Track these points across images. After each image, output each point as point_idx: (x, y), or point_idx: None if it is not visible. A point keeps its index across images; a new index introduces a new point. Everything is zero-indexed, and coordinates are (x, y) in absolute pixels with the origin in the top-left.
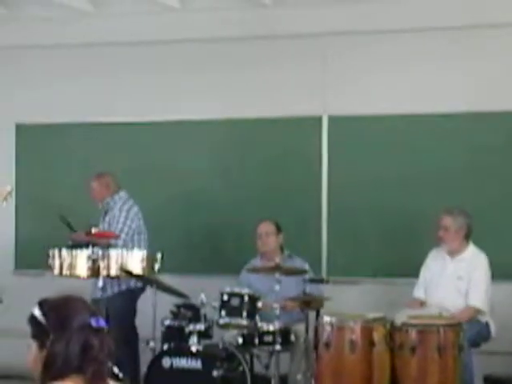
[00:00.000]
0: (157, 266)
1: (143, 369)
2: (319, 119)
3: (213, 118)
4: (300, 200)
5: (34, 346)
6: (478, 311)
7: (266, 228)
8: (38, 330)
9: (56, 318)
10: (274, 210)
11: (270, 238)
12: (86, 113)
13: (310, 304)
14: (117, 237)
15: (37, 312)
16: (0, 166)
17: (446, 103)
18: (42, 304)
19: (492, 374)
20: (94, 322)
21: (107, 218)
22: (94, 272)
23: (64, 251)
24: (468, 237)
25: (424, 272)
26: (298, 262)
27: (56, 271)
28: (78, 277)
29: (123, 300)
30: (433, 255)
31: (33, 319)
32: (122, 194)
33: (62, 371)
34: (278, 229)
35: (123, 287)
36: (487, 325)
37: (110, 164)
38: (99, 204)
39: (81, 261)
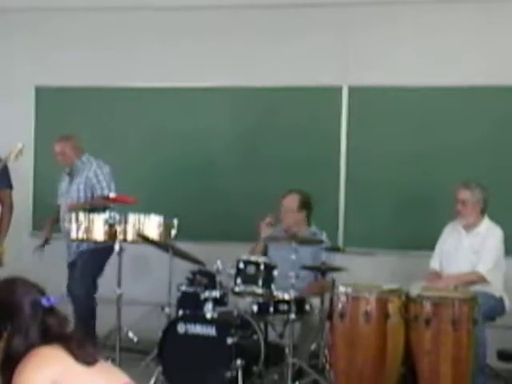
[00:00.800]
0: (173, 232)
1: (158, 333)
2: (339, 89)
3: (235, 85)
4: (318, 169)
5: None
6: (483, 279)
7: (288, 203)
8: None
9: (7, 307)
10: (292, 178)
11: (290, 213)
12: (105, 77)
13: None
14: (135, 202)
15: None
16: (19, 129)
17: (468, 76)
18: None
19: (505, 348)
20: (45, 302)
21: (77, 181)
22: (111, 236)
23: (81, 215)
24: (484, 211)
25: (440, 245)
26: (322, 237)
27: (73, 235)
28: (94, 241)
29: (92, 254)
30: (449, 229)
31: None
32: (86, 156)
33: (26, 350)
34: (303, 204)
35: (92, 245)
36: (502, 299)
37: (128, 128)
38: (66, 168)
39: (98, 225)
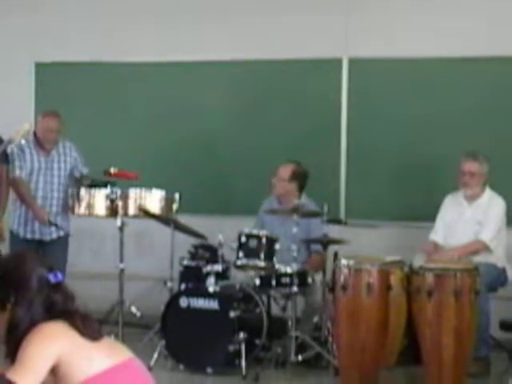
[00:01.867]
0: (175, 207)
1: (161, 308)
2: (339, 61)
3: (235, 59)
4: (319, 142)
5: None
6: (486, 247)
7: (281, 172)
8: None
9: (15, 279)
10: (293, 151)
11: (280, 182)
12: (104, 52)
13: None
14: (136, 177)
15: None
16: (19, 105)
17: (469, 47)
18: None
19: (508, 319)
20: (52, 278)
21: (65, 160)
22: (113, 211)
23: (82, 190)
24: (486, 182)
25: (441, 217)
26: (313, 207)
27: (75, 210)
28: (96, 216)
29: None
30: (449, 200)
31: None
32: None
33: (28, 328)
34: (294, 175)
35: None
36: (504, 270)
37: (129, 103)
38: (47, 146)
39: (99, 200)
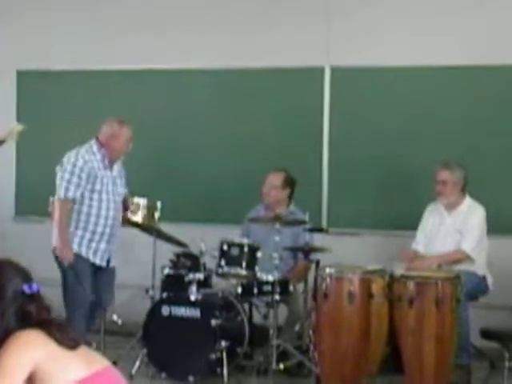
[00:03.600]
0: (157, 215)
1: (143, 316)
2: (321, 70)
3: (216, 67)
4: (301, 150)
5: None
6: (467, 256)
7: (272, 179)
8: None
9: (3, 284)
10: (276, 159)
11: (273, 190)
12: (86, 60)
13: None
14: None
15: None
16: (1, 113)
17: (450, 56)
18: None
19: (488, 327)
20: (27, 289)
21: (119, 175)
22: None
23: None
24: (464, 190)
25: (422, 226)
26: (299, 216)
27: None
28: None
29: None
30: (430, 209)
31: None
32: None
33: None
34: (287, 183)
35: None
36: (485, 278)
37: (111, 111)
38: (117, 159)
39: None
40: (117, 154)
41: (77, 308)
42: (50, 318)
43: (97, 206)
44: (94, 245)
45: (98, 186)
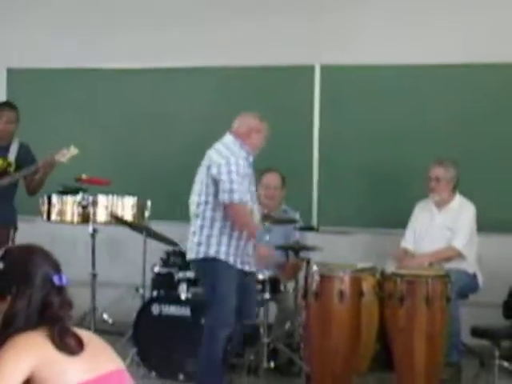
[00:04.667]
0: (147, 213)
1: (133, 315)
2: (312, 68)
3: (206, 65)
4: (291, 149)
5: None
6: (459, 253)
7: (273, 180)
8: (0, 282)
9: (20, 273)
10: (265, 157)
11: (275, 191)
12: (79, 58)
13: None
14: (108, 183)
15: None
16: None
17: (440, 55)
18: (5, 255)
19: (479, 325)
20: (56, 280)
21: None
22: (84, 218)
23: (54, 197)
24: (455, 187)
25: (412, 224)
26: (292, 215)
27: (46, 217)
28: (67, 223)
29: None
30: (420, 207)
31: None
32: None
33: (23, 326)
34: (284, 182)
35: None
36: (475, 276)
37: (101, 110)
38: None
39: (70, 207)
40: (256, 150)
41: (221, 326)
42: (67, 315)
43: None
44: (241, 251)
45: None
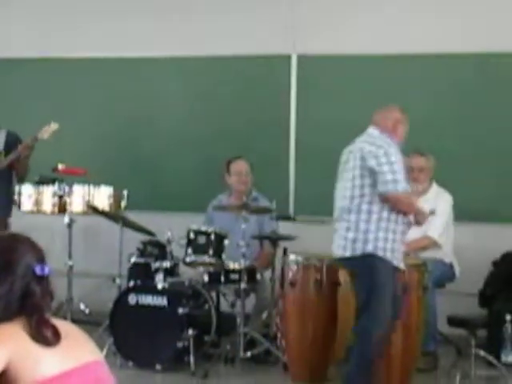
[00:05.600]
0: (123, 203)
1: (109, 305)
2: (288, 58)
3: (185, 55)
4: (268, 138)
5: None
6: (434, 243)
7: (243, 166)
8: None
9: (2, 261)
10: (242, 147)
11: (246, 177)
12: (51, 47)
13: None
14: (84, 173)
15: None
16: None
17: (416, 44)
18: None
19: (455, 314)
20: (38, 270)
21: None
22: (60, 208)
23: (30, 187)
24: (432, 177)
25: None
26: (264, 203)
27: (22, 207)
28: (44, 213)
29: None
30: None
31: None
32: None
33: (1, 315)
34: (252, 168)
35: None
36: (451, 266)
37: (76, 99)
38: None
39: (47, 197)
40: (402, 142)
41: (377, 326)
42: (46, 306)
43: None
44: (396, 246)
45: None
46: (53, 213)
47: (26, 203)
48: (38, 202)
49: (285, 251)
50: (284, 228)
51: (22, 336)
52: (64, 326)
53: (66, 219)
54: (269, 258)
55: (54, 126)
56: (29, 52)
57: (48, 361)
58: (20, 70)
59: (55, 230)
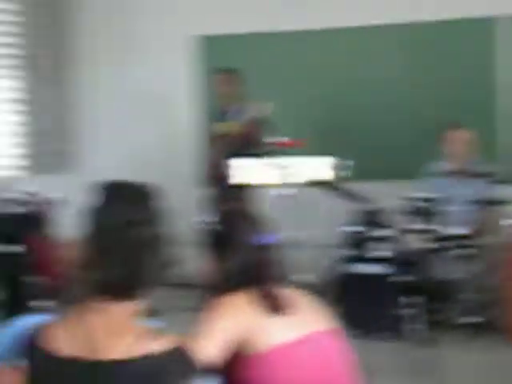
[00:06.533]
0: (343, 174)
1: (327, 275)
2: (495, 20)
3: (403, 22)
4: (475, 103)
5: (206, 256)
6: None
7: (464, 134)
8: (210, 243)
9: (224, 234)
10: (451, 110)
11: (463, 146)
12: (281, 21)
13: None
14: (305, 145)
15: (210, 225)
16: (182, 76)
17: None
18: (215, 216)
19: None
20: (260, 241)
21: None
22: (282, 180)
23: (252, 160)
24: None
25: None
26: (484, 167)
27: (245, 180)
28: (265, 185)
29: None
30: None
31: (209, 231)
32: None
33: (235, 285)
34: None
35: None
36: None
37: (301, 71)
38: None
39: (269, 169)
40: None
41: None
42: (272, 275)
43: None
44: None
45: None
46: (274, 185)
47: (248, 176)
48: (259, 175)
49: (507, 215)
50: (504, 192)
51: (249, 307)
52: (290, 294)
53: (288, 191)
54: (489, 223)
55: (268, 107)
56: (246, 28)
57: (274, 330)
58: (239, 45)
59: (277, 202)
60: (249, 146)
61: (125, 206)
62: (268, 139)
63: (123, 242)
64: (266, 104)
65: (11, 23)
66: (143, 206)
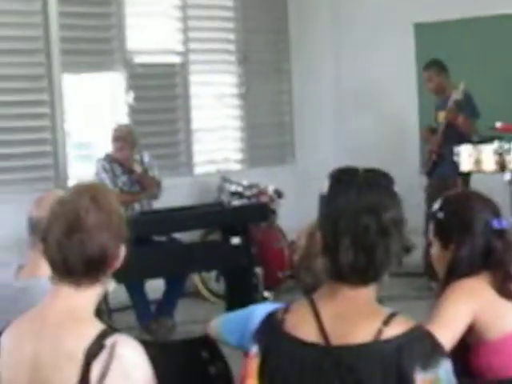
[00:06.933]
0: None
1: None
2: None
3: None
4: None
5: (436, 244)
6: None
7: None
8: (441, 231)
9: (460, 221)
10: None
11: None
12: (473, 8)
13: None
14: None
15: (440, 212)
16: (400, 64)
17: None
18: (444, 204)
19: None
20: (496, 224)
21: None
22: (501, 166)
23: (469, 147)
24: None
25: None
26: None
27: (462, 167)
28: (484, 171)
29: None
30: None
31: (436, 218)
32: None
33: (466, 272)
34: None
35: None
36: None
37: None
38: None
39: (487, 155)
40: None
41: None
42: (509, 259)
43: None
44: None
45: None
46: (494, 171)
47: (466, 162)
48: (477, 161)
49: None
50: None
51: (488, 290)
52: None
53: (507, 177)
54: None
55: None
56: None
57: (509, 316)
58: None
59: (495, 188)
60: (462, 132)
61: (366, 192)
62: (496, 124)
63: (361, 228)
64: (459, 84)
65: (228, 19)
66: (384, 191)
